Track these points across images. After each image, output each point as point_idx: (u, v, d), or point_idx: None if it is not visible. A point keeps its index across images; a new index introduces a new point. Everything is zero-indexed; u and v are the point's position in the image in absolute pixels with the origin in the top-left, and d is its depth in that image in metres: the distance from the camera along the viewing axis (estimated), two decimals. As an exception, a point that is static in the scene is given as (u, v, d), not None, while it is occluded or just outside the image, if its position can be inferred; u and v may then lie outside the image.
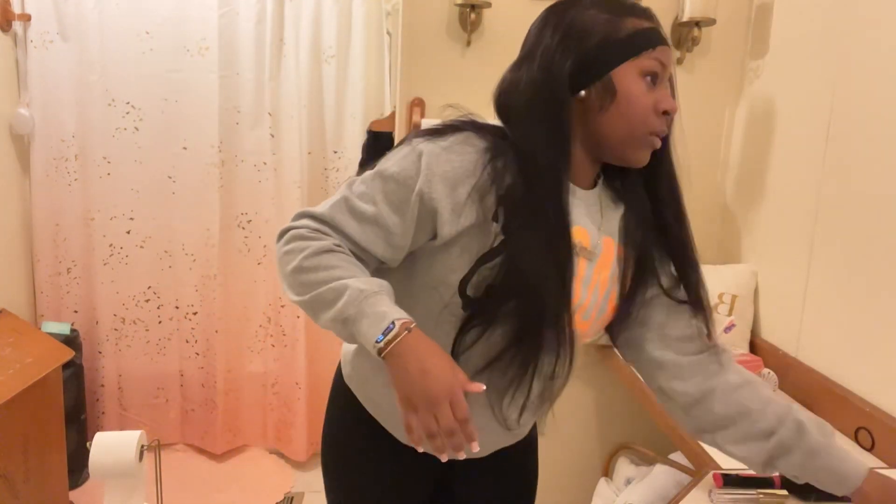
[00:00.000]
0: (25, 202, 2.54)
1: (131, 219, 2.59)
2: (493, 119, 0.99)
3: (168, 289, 2.64)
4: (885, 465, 1.27)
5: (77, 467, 2.40)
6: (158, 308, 2.66)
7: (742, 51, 1.90)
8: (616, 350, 1.06)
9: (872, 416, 1.32)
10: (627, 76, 0.87)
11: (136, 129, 2.52)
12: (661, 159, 0.97)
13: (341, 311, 0.83)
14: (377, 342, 0.80)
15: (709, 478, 1.12)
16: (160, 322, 2.67)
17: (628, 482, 1.91)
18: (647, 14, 0.90)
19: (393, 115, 1.92)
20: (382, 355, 0.81)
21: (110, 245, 2.60)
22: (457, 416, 0.78)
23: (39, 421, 2.02)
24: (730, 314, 1.74)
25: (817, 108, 1.56)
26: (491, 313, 0.88)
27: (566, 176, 0.89)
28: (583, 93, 0.88)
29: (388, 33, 2.47)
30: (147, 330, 2.67)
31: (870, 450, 1.32)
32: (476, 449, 0.80)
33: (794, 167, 1.65)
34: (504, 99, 0.96)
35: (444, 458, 0.82)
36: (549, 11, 0.92)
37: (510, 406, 0.98)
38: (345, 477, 1.11)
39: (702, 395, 0.96)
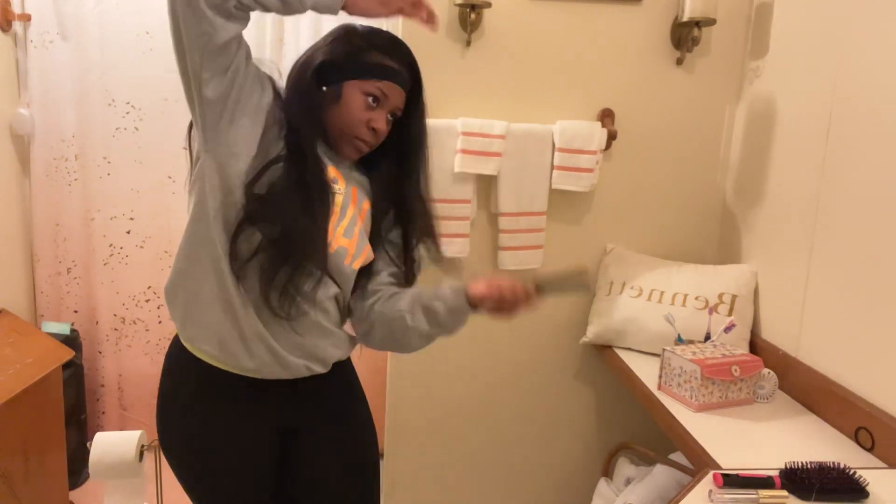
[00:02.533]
0: (25, 202, 2.54)
1: (131, 219, 2.59)
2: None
3: (168, 289, 2.64)
4: (885, 465, 1.27)
5: (77, 467, 2.40)
6: (158, 308, 2.66)
7: (742, 51, 1.90)
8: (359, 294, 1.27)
9: (872, 416, 1.32)
10: (352, 90, 1.16)
11: (136, 129, 2.52)
12: (406, 161, 1.26)
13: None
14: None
15: (709, 478, 1.12)
16: (160, 322, 2.67)
17: (628, 482, 1.91)
18: (396, 54, 1.19)
19: (393, 115, 1.93)
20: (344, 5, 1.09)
21: (110, 245, 2.60)
22: None
23: (39, 421, 2.02)
24: (730, 314, 1.74)
25: (817, 108, 1.56)
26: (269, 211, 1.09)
27: (317, 138, 1.16)
28: (324, 88, 1.16)
29: (388, 33, 2.47)
30: (147, 330, 2.67)
31: (870, 450, 1.32)
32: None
33: (794, 167, 1.65)
34: (292, 70, 1.21)
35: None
36: (350, 24, 1.21)
37: (278, 295, 1.12)
38: (189, 437, 1.23)
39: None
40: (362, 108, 1.16)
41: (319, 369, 1.22)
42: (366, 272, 1.25)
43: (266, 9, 1.05)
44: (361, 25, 1.21)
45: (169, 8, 1.01)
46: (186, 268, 1.15)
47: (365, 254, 1.23)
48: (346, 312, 1.26)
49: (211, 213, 1.10)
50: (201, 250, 1.13)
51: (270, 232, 1.09)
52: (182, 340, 1.20)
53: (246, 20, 1.07)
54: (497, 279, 1.16)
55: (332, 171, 1.18)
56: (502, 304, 1.16)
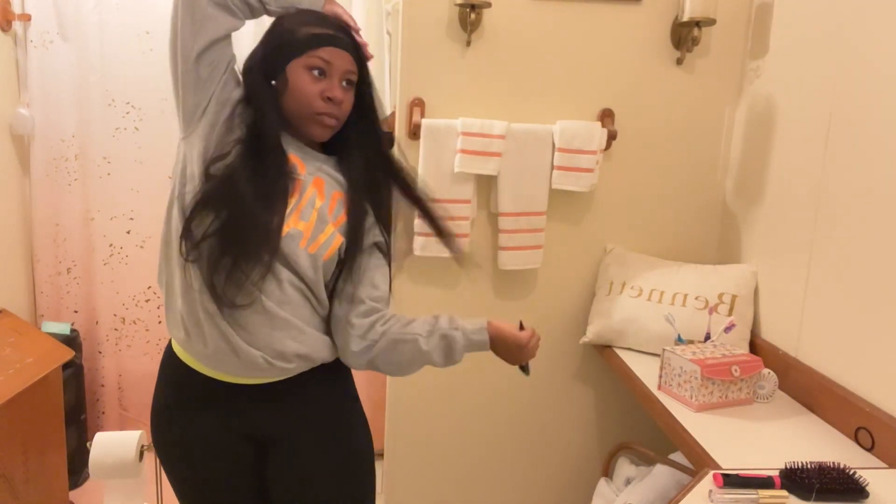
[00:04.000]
0: (25, 202, 2.54)
1: (131, 219, 2.60)
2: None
3: (168, 289, 2.64)
4: (885, 465, 1.27)
5: (77, 467, 2.40)
6: (158, 308, 2.66)
7: (742, 51, 1.90)
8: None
9: (872, 416, 1.32)
10: (295, 70, 1.15)
11: (136, 129, 2.52)
12: (364, 143, 1.25)
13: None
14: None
15: (709, 478, 1.12)
16: (160, 322, 2.67)
17: (628, 482, 1.91)
18: (326, 23, 1.17)
19: (393, 114, 1.92)
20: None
21: (110, 245, 2.60)
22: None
23: (39, 421, 2.02)
24: (730, 314, 1.74)
25: (817, 108, 1.56)
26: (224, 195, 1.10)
27: (279, 131, 1.16)
28: (273, 82, 1.17)
29: (388, 33, 2.47)
30: (147, 330, 2.67)
31: (870, 450, 1.32)
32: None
33: (794, 167, 1.65)
34: (242, 75, 1.20)
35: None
36: (276, 17, 1.20)
37: (222, 279, 1.10)
38: (170, 443, 1.26)
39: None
40: (310, 82, 1.15)
41: (282, 364, 1.16)
42: (347, 274, 1.20)
43: (264, 7, 1.16)
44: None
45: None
46: (163, 256, 1.22)
47: (325, 237, 1.18)
48: (320, 307, 1.21)
49: (175, 199, 1.15)
50: (171, 238, 1.18)
51: (221, 215, 1.09)
52: (171, 346, 1.24)
53: (242, 19, 1.15)
54: (531, 330, 1.25)
55: (293, 159, 1.17)
56: (527, 353, 1.25)
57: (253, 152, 1.12)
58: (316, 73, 1.15)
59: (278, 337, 1.15)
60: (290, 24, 1.17)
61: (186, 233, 1.10)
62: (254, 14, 1.17)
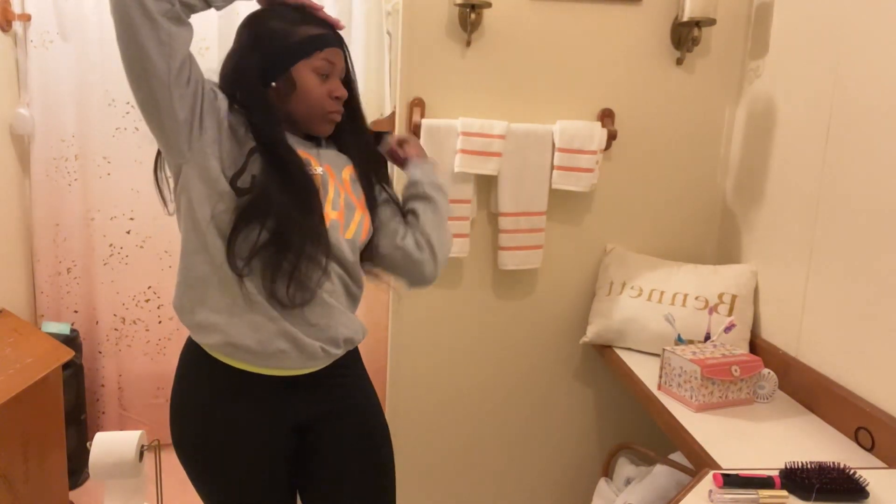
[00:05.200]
0: (25, 202, 2.55)
1: (131, 219, 2.60)
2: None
3: (168, 289, 2.64)
4: (885, 465, 1.27)
5: (77, 467, 2.40)
6: (158, 308, 2.66)
7: (742, 51, 1.90)
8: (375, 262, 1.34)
9: (872, 416, 1.32)
10: (303, 72, 1.17)
11: (136, 129, 2.52)
12: (354, 121, 1.30)
13: None
14: None
15: (709, 478, 1.12)
16: (160, 322, 2.67)
17: (628, 482, 1.91)
18: (318, 21, 1.19)
19: (393, 115, 1.92)
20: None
21: (110, 245, 2.60)
22: None
23: (39, 421, 2.02)
24: (730, 314, 1.74)
25: (817, 108, 1.56)
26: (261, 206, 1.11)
27: (283, 133, 1.17)
28: (273, 84, 1.17)
29: (388, 33, 2.47)
30: (147, 330, 2.67)
31: (870, 450, 1.32)
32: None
33: (794, 167, 1.65)
34: (222, 83, 1.20)
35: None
36: (249, 17, 1.20)
37: (286, 285, 1.14)
38: (205, 437, 1.22)
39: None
40: (318, 84, 1.18)
41: (334, 351, 1.23)
42: (377, 237, 1.31)
43: (207, 5, 1.10)
44: (260, 10, 1.21)
45: (123, 34, 1.05)
46: (189, 280, 1.16)
47: (356, 222, 1.24)
48: (355, 286, 1.27)
49: (203, 224, 1.11)
50: (199, 260, 1.13)
51: (268, 226, 1.10)
52: (202, 347, 1.20)
53: (190, 25, 1.09)
54: (397, 137, 1.41)
55: (303, 156, 1.20)
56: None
57: (272, 161, 1.13)
58: (322, 75, 1.19)
59: (333, 325, 1.21)
60: (280, 25, 1.17)
61: (232, 249, 1.11)
62: (193, 11, 1.10)
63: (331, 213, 1.20)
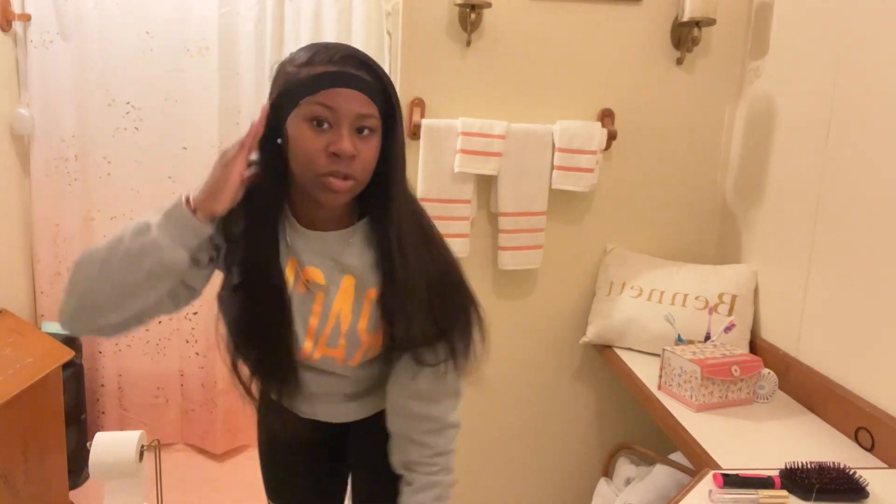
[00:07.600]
0: (25, 202, 2.54)
1: (131, 219, 2.58)
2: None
3: (168, 289, 2.63)
4: (885, 465, 1.27)
5: (77, 467, 2.40)
6: (158, 308, 2.66)
7: (742, 51, 1.90)
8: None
9: (872, 416, 1.32)
10: (294, 124, 0.93)
11: (136, 129, 2.52)
12: (388, 203, 1.00)
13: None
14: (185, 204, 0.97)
15: (709, 478, 1.12)
16: (160, 322, 2.67)
17: (628, 482, 1.91)
18: (336, 58, 0.92)
19: (393, 115, 1.92)
20: (193, 206, 0.96)
21: (110, 245, 2.59)
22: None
23: (39, 421, 2.02)
24: (730, 314, 1.74)
25: (817, 108, 1.56)
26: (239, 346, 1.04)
27: (278, 219, 1.00)
28: (279, 141, 0.95)
29: (388, 33, 2.47)
30: (147, 330, 2.67)
31: (870, 450, 1.32)
32: None
33: (794, 167, 1.65)
34: None
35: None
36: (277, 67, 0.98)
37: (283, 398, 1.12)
38: (270, 461, 1.35)
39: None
40: (311, 136, 0.91)
41: (345, 422, 1.25)
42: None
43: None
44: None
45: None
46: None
47: (363, 350, 1.08)
48: (355, 390, 1.19)
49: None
50: None
51: (250, 365, 1.06)
52: None
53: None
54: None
55: (310, 270, 1.03)
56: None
57: (244, 272, 1.01)
58: (314, 123, 0.91)
59: (331, 413, 1.22)
60: (294, 69, 0.94)
61: (237, 370, 1.07)
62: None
63: (325, 351, 1.06)
